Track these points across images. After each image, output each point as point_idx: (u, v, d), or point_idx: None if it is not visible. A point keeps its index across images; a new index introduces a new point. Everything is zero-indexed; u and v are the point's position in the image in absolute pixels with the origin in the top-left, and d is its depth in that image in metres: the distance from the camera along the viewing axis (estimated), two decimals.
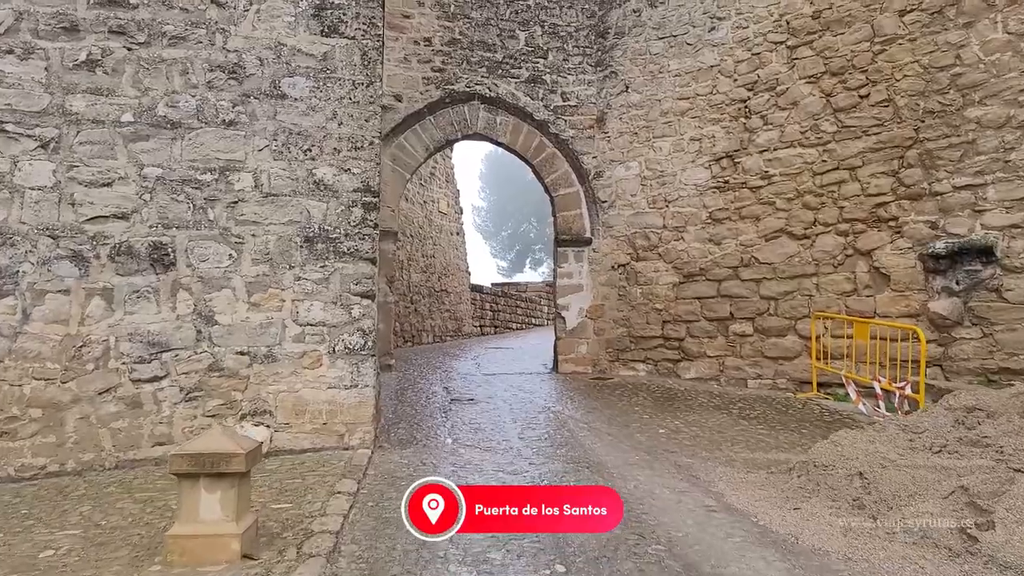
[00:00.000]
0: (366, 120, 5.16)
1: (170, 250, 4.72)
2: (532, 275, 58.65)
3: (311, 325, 4.93)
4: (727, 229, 8.48)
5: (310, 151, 5.03)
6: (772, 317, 8.04)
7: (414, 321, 13.60)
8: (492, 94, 9.44)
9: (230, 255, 4.82)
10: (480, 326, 17.14)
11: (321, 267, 4.98)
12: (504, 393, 7.76)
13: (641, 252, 9.27)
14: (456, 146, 15.66)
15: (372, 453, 4.92)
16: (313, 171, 5.03)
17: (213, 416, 4.70)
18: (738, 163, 8.41)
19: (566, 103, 9.69)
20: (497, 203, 56.65)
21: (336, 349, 4.96)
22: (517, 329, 19.71)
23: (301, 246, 4.96)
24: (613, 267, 9.54)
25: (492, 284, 21.06)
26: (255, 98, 4.95)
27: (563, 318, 9.58)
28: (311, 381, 4.90)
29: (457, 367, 10.10)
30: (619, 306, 9.45)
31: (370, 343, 5.04)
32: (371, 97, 5.19)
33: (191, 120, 4.82)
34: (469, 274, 16.84)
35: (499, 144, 9.70)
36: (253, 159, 4.93)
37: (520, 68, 9.55)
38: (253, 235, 4.89)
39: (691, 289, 8.78)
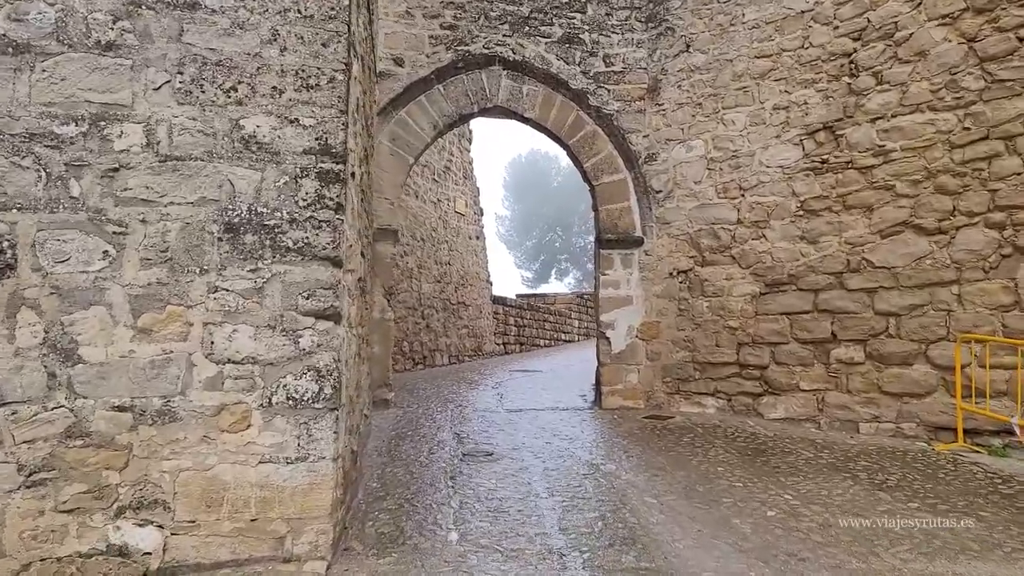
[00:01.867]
0: (324, 44, 3.44)
1: (5, 244, 3.04)
2: (558, 286, 57.46)
3: (234, 363, 3.21)
4: (826, 223, 6.61)
5: (235, 91, 3.33)
6: (892, 339, 6.13)
7: (426, 339, 11.89)
8: (517, 57, 7.72)
9: (105, 253, 3.13)
10: (503, 344, 15.37)
11: (251, 271, 3.26)
12: (534, 441, 5.96)
13: (708, 255, 7.43)
14: (475, 141, 13.96)
15: (330, 566, 3.17)
16: (240, 122, 3.33)
17: (71, 511, 3.00)
18: (840, 136, 6.55)
19: (609, 68, 7.93)
20: (521, 212, 55.68)
21: (273, 400, 3.22)
22: (545, 346, 17.92)
23: (220, 239, 3.25)
24: (671, 274, 7.71)
25: (517, 296, 19.32)
26: (149, 8, 3.26)
27: (607, 339, 7.76)
28: (233, 452, 3.17)
29: (474, 400, 8.31)
30: (679, 323, 7.60)
31: (329, 389, 3.29)
32: (332, 9, 3.46)
33: (46, 41, 3.15)
34: (490, 284, 15.11)
35: (525, 121, 7.95)
36: (145, 103, 3.25)
37: (552, 25, 7.81)
38: (143, 221, 3.19)
39: (777, 302, 6.91)
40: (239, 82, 3.34)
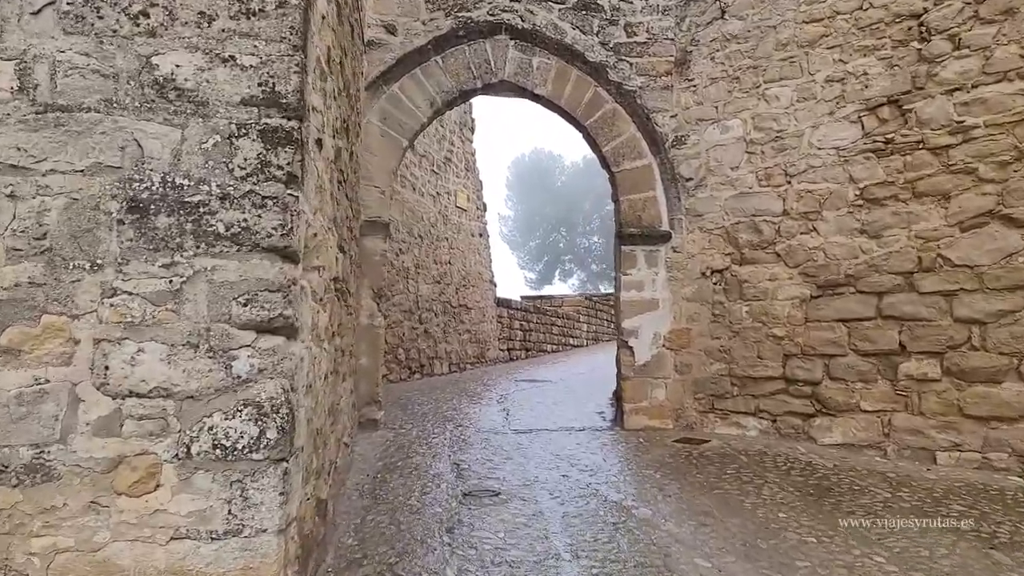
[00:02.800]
0: None
1: None
2: (562, 287, 56.84)
3: (138, 396, 2.31)
4: (892, 214, 5.69)
5: (145, 16, 2.43)
6: (977, 352, 5.21)
7: (423, 346, 10.98)
8: (526, 25, 6.81)
9: None
10: (508, 350, 14.46)
11: (166, 266, 2.37)
12: (549, 474, 5.04)
13: (748, 251, 6.51)
14: (477, 134, 13.10)
15: None
16: (153, 60, 2.43)
17: None
18: (908, 111, 5.63)
19: (632, 39, 7.02)
20: (525, 212, 55.18)
21: (194, 450, 2.32)
22: (553, 352, 16.99)
23: (121, 221, 2.36)
24: (704, 274, 6.79)
25: (521, 298, 18.42)
26: None
27: (630, 348, 6.84)
28: (133, 524, 2.27)
29: (476, 417, 7.40)
30: (714, 331, 6.68)
31: (275, 432, 2.39)
32: None
33: None
34: (494, 286, 14.21)
35: (536, 98, 7.04)
36: (19, 32, 2.35)
37: None
38: (11, 196, 2.31)
39: (831, 306, 5.98)
40: (151, 4, 2.44)
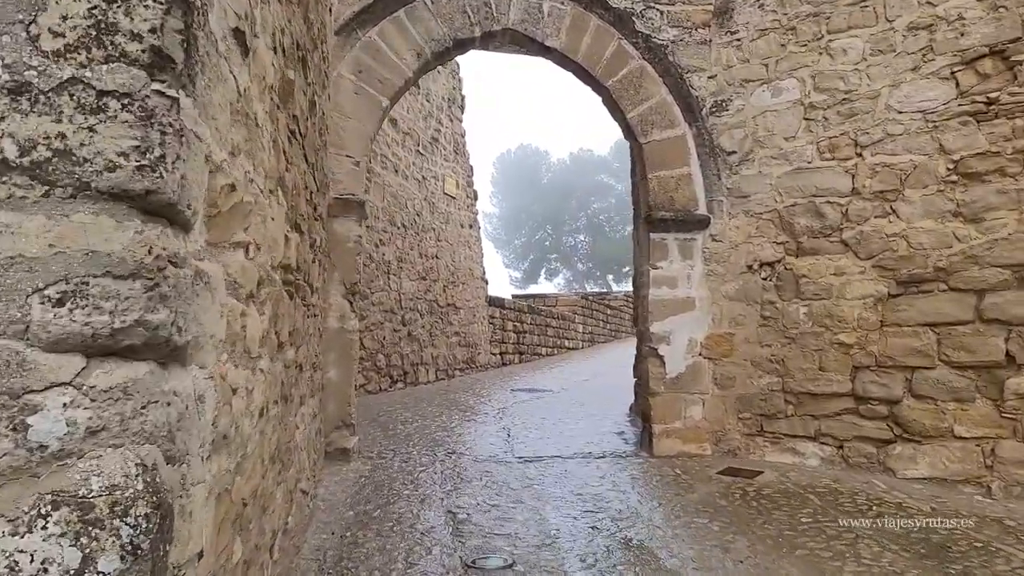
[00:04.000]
0: None
1: None
2: (548, 286, 56.06)
3: None
4: (996, 192, 4.61)
5: None
6: None
7: (407, 351, 9.79)
8: None
9: None
10: (500, 353, 13.30)
11: None
12: (574, 525, 3.90)
13: (807, 240, 5.41)
14: (467, 108, 11.92)
15: None
16: None
17: None
18: (1019, 64, 4.55)
19: None
20: (510, 209, 54.47)
21: None
22: (548, 355, 15.87)
23: None
24: (750, 267, 5.68)
25: (513, 297, 17.28)
26: None
27: (660, 358, 5.71)
28: None
29: (472, 440, 6.23)
30: (763, 336, 5.57)
31: (116, 559, 1.19)
32: None
33: None
34: (486, 283, 13.05)
35: (546, 52, 5.89)
36: None
37: None
38: None
39: (915, 307, 4.90)
40: None
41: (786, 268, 5.50)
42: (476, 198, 12.88)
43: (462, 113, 12.00)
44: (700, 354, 5.75)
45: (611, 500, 4.40)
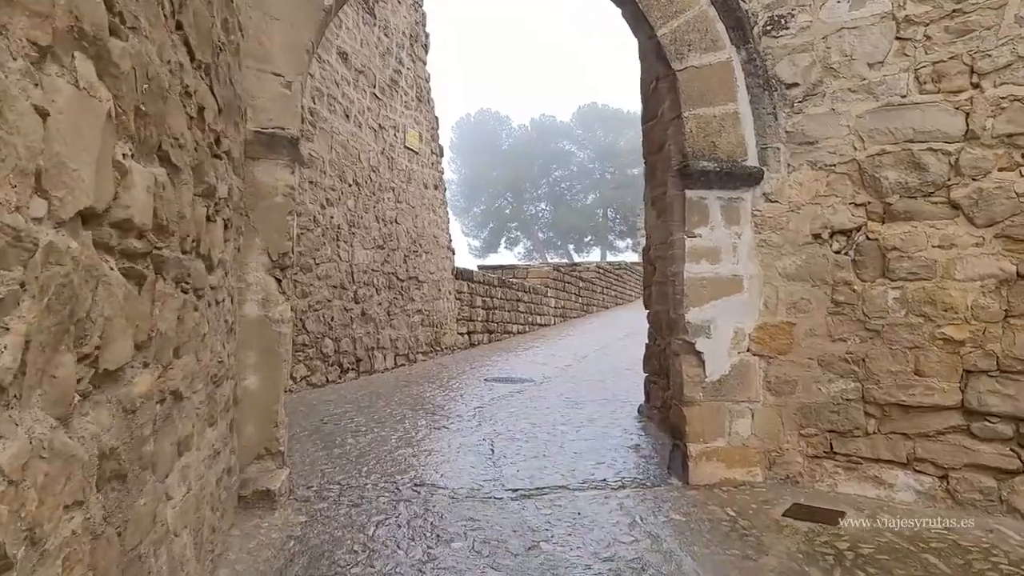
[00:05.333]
0: None
1: None
2: (508, 256, 55.06)
3: None
4: None
5: None
6: None
7: (361, 333, 8.29)
8: None
9: None
10: (468, 333, 11.88)
11: None
12: None
13: (899, 201, 4.10)
14: (433, 43, 10.29)
15: None
16: None
17: None
18: None
19: None
20: (469, 176, 53.20)
21: None
22: (519, 333, 14.51)
23: None
24: (817, 236, 4.36)
25: (479, 268, 15.82)
26: None
27: (698, 355, 4.38)
28: None
29: (445, 463, 4.82)
30: (834, 328, 4.28)
31: None
32: None
33: None
34: (452, 252, 11.56)
35: None
36: None
37: None
38: None
39: None
40: None
41: (868, 238, 4.19)
42: (441, 154, 11.29)
43: (426, 54, 10.35)
44: (749, 350, 4.43)
45: (649, 568, 3.06)
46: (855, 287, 4.22)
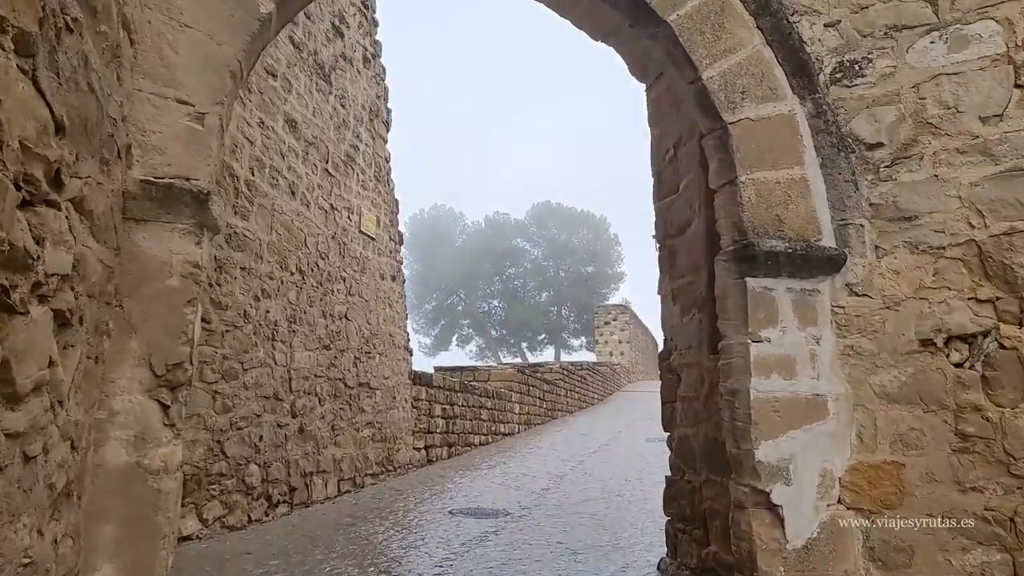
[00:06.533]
0: None
1: None
2: (460, 354, 53.75)
3: None
4: None
5: None
6: None
7: (298, 455, 6.77)
8: None
9: None
10: (426, 447, 10.34)
11: None
12: None
13: None
14: (395, 120, 9.37)
15: None
16: None
17: None
18: None
19: None
20: (421, 272, 52.59)
21: None
22: (482, 444, 12.98)
23: None
24: (926, 343, 3.25)
25: (436, 370, 14.38)
26: None
27: (773, 508, 3.12)
28: None
29: None
30: (961, 471, 3.10)
31: None
32: None
33: None
34: (410, 353, 10.20)
35: None
36: None
37: None
38: None
39: None
40: None
41: (1002, 346, 3.11)
42: (401, 242, 10.14)
43: (387, 131, 9.41)
44: (841, 501, 3.21)
45: None
46: (988, 414, 3.08)
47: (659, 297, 4.99)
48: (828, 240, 3.45)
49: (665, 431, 4.87)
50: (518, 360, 45.33)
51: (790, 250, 3.30)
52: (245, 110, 6.00)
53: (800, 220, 3.43)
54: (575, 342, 53.58)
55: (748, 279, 3.33)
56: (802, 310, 3.37)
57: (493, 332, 54.37)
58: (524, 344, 54.03)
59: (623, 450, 12.41)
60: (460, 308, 53.71)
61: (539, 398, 18.10)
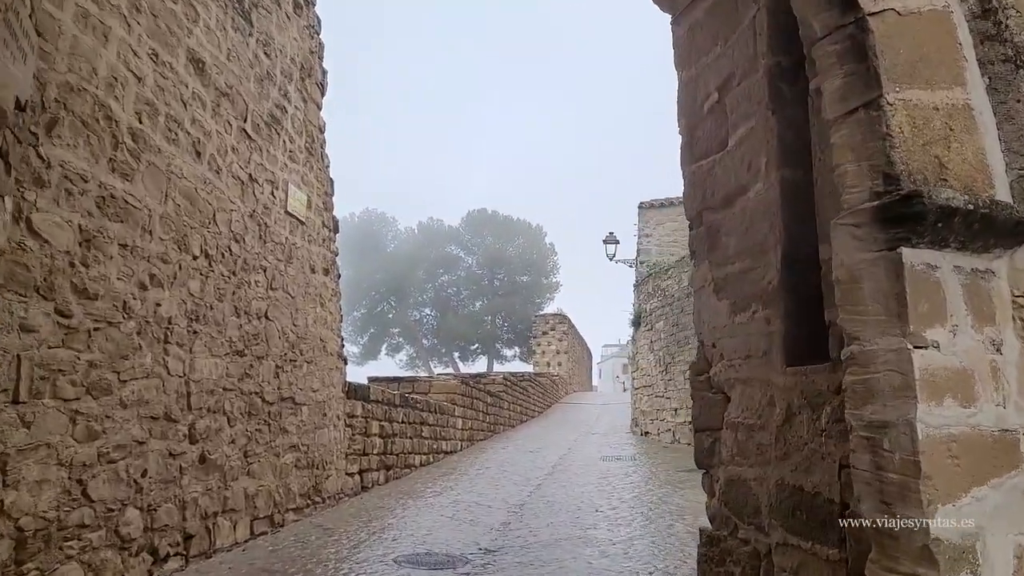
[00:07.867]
0: None
1: None
2: (389, 363, 52.10)
3: None
4: None
5: None
6: None
7: (195, 491, 5.25)
8: None
9: None
10: (360, 471, 8.85)
11: None
12: None
13: None
14: (332, 79, 7.96)
15: None
16: None
17: None
18: None
19: None
20: (350, 279, 50.35)
21: None
22: (424, 465, 11.54)
23: None
24: None
25: (370, 380, 12.88)
26: None
27: None
28: None
29: None
30: None
31: None
32: None
33: None
34: (344, 362, 8.70)
35: None
36: None
37: None
38: None
39: None
40: None
41: None
42: (336, 229, 8.67)
43: (322, 95, 7.96)
44: None
45: None
46: None
47: (693, 290, 3.80)
48: (1003, 194, 2.33)
49: (699, 467, 3.66)
50: (450, 370, 43.80)
51: (971, 206, 2.15)
52: (131, 34, 4.49)
53: (966, 166, 2.29)
54: (508, 352, 52.71)
55: (904, 249, 2.16)
56: (975, 301, 2.22)
57: (425, 341, 52.97)
58: (456, 354, 52.83)
59: (580, 470, 11.26)
60: (391, 316, 52.26)
61: (483, 411, 16.76)
